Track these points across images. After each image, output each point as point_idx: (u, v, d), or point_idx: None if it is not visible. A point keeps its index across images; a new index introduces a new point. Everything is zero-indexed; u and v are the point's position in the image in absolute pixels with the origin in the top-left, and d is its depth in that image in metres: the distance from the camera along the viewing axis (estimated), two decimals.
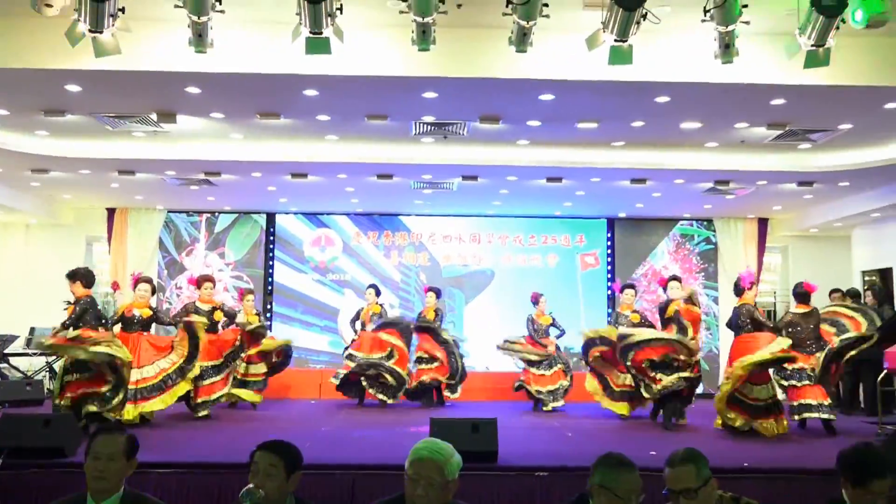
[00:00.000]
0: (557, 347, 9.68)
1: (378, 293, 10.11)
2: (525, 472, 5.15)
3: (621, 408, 8.66)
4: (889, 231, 10.95)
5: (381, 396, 9.55)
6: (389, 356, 9.50)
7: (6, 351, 10.10)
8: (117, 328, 7.66)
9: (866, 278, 11.53)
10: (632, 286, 9.28)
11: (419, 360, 9.75)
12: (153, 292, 8.09)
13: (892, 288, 10.83)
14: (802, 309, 7.89)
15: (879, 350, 8.66)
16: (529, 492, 5.01)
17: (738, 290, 7.96)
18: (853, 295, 10.10)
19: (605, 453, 3.00)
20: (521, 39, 5.29)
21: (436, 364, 9.66)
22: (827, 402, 7.46)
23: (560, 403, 9.35)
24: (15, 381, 9.61)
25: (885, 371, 8.44)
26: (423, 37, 5.23)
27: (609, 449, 3.07)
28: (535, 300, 9.84)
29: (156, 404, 7.36)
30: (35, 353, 10.55)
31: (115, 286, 10.27)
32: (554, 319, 9.73)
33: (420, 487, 2.81)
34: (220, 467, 5.17)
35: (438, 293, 10.17)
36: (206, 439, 6.72)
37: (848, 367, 9.54)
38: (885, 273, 11.20)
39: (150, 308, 7.88)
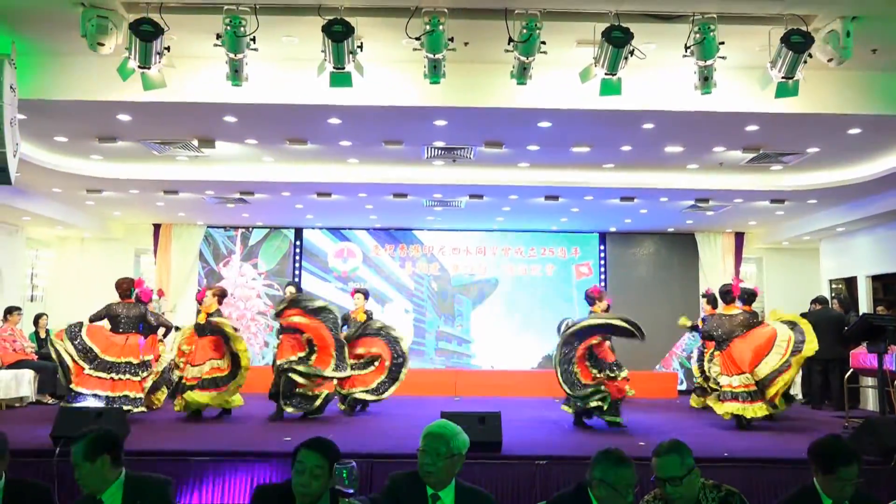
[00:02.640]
0: None
1: (299, 289, 8.69)
2: (526, 460, 5.13)
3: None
4: (853, 243, 10.86)
5: (290, 409, 7.67)
6: (310, 353, 7.82)
7: None
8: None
9: (833, 286, 11.45)
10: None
11: (353, 367, 8.17)
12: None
13: (856, 295, 10.75)
14: (730, 310, 7.76)
15: (846, 351, 8.63)
16: (530, 478, 4.99)
17: (591, 301, 7.63)
18: (821, 302, 10.05)
19: (604, 449, 2.99)
20: (522, 73, 5.30)
21: (370, 369, 8.35)
22: None
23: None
24: None
25: (852, 370, 8.39)
26: (434, 71, 5.25)
27: (601, 440, 3.06)
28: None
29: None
30: None
31: (161, 293, 10.32)
32: None
33: (428, 457, 2.98)
34: (251, 455, 5.17)
35: (367, 294, 8.91)
36: (240, 429, 6.72)
37: (818, 366, 9.54)
38: (849, 281, 11.12)
39: None
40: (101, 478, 3.00)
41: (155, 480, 3.14)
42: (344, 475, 2.53)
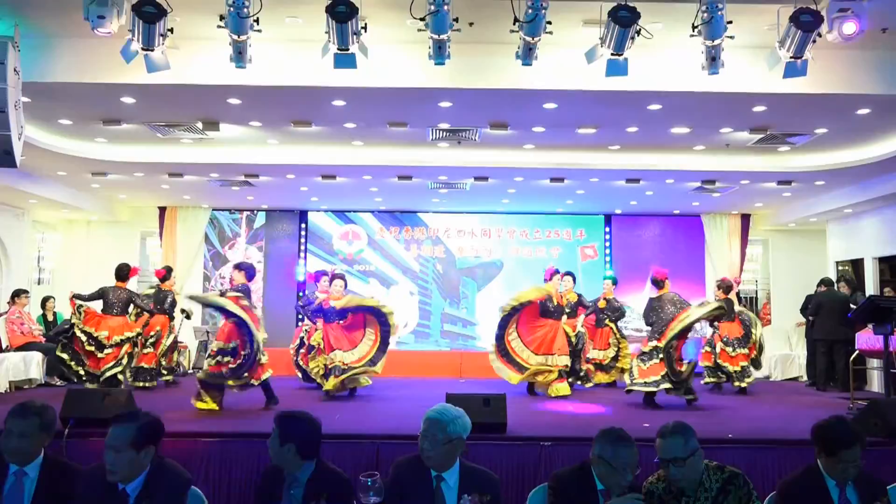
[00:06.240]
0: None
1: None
2: (531, 441, 5.15)
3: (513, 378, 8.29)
4: (860, 225, 10.81)
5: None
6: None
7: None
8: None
9: (840, 268, 11.42)
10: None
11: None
12: (345, 286, 8.19)
13: (863, 276, 10.71)
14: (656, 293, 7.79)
15: (852, 333, 8.61)
16: (535, 459, 5.01)
17: (660, 284, 7.97)
18: (828, 283, 10.03)
19: (607, 427, 3.01)
20: (527, 54, 5.27)
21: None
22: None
23: None
24: None
25: (857, 351, 8.39)
26: (439, 52, 5.21)
27: (605, 422, 3.07)
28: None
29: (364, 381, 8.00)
30: None
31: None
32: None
33: (427, 442, 3.05)
34: (257, 436, 5.21)
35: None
36: (253, 412, 6.77)
37: (823, 348, 9.55)
38: (856, 263, 11.08)
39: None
40: (139, 468, 2.85)
41: (179, 474, 3.00)
42: (369, 484, 2.71)
